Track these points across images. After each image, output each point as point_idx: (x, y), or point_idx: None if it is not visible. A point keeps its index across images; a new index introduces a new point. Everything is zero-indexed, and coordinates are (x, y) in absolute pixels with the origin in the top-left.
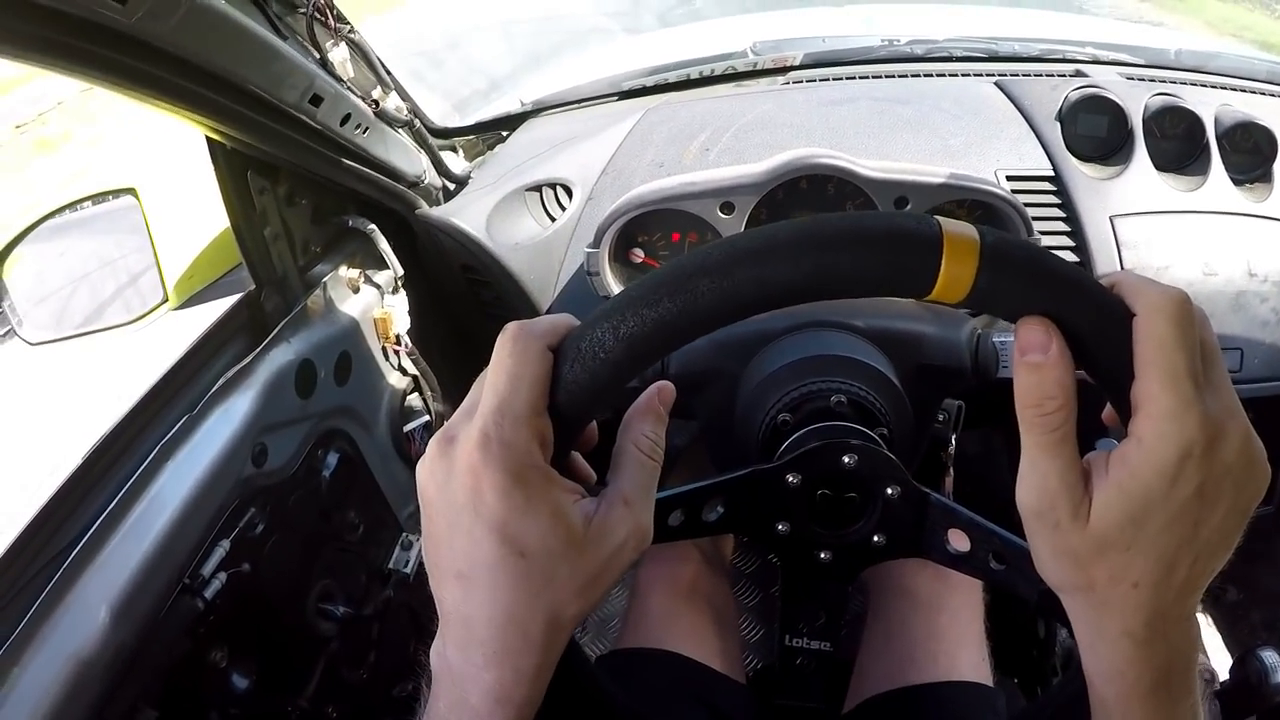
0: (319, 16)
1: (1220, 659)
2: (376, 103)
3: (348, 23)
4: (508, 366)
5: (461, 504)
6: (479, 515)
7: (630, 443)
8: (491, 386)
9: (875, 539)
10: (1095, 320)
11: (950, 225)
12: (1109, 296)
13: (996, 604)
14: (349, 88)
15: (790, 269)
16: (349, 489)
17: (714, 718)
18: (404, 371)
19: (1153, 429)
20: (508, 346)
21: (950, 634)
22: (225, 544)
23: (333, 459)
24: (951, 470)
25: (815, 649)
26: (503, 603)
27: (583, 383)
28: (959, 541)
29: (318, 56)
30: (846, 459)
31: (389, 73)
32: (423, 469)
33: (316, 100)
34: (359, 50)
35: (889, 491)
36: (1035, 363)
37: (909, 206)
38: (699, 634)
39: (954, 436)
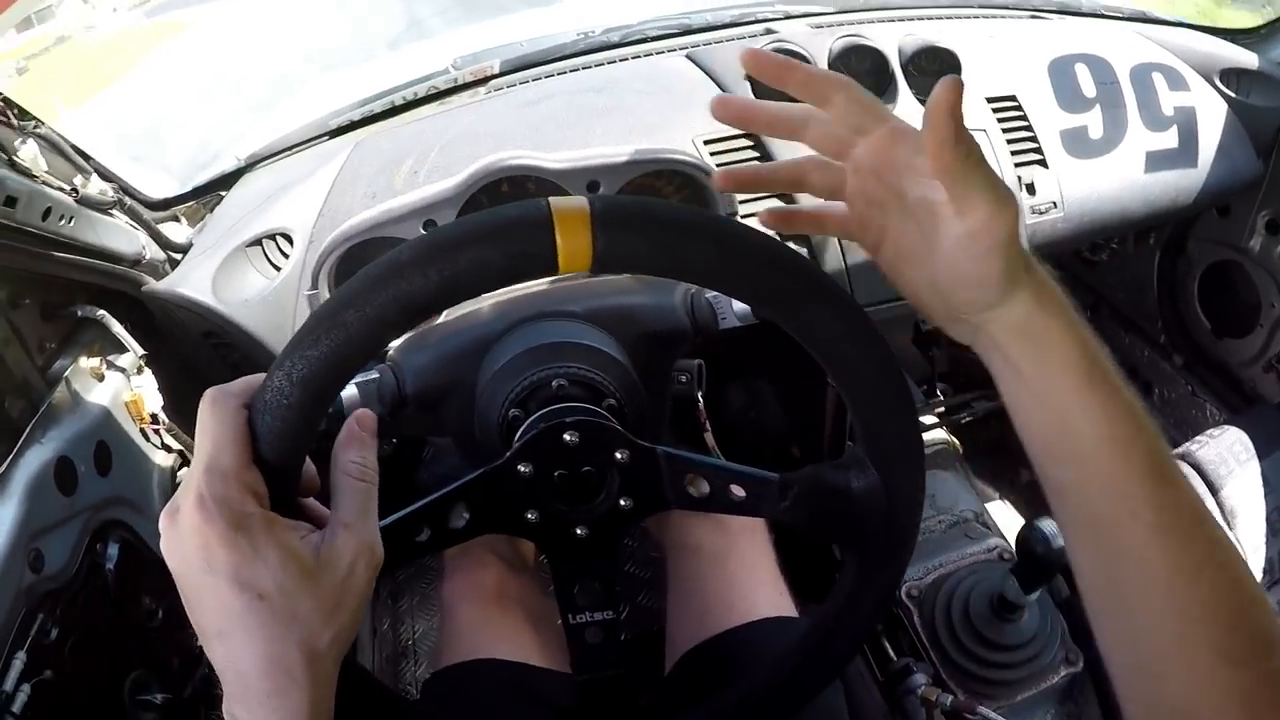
0: (1, 119)
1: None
2: (77, 190)
3: (33, 118)
4: (209, 430)
5: (198, 566)
6: (215, 570)
7: (340, 472)
8: (198, 452)
9: (622, 503)
10: (716, 251)
11: (559, 202)
12: (724, 226)
13: (791, 541)
14: (45, 182)
15: (422, 281)
16: (138, 576)
17: (544, 711)
18: (168, 449)
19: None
20: (206, 411)
21: (742, 578)
22: (21, 656)
23: (114, 550)
24: (708, 425)
25: (600, 620)
26: (260, 646)
27: (276, 430)
28: (700, 485)
29: (5, 158)
30: (568, 436)
31: (87, 158)
32: (163, 545)
33: (11, 201)
34: (49, 143)
35: (619, 457)
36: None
37: (601, 189)
38: (515, 635)
39: (700, 394)
